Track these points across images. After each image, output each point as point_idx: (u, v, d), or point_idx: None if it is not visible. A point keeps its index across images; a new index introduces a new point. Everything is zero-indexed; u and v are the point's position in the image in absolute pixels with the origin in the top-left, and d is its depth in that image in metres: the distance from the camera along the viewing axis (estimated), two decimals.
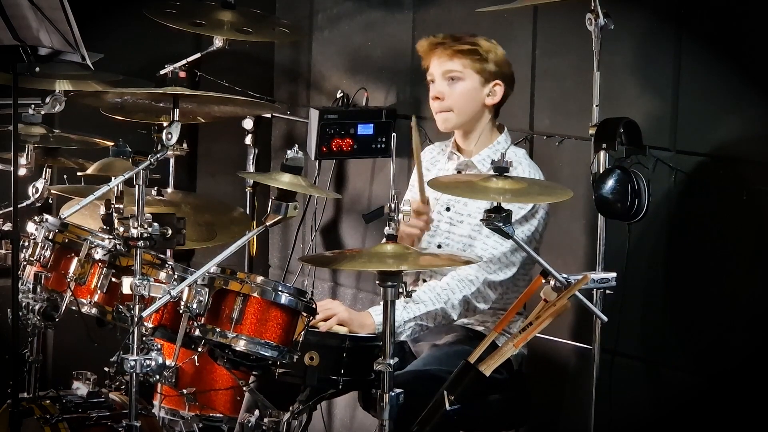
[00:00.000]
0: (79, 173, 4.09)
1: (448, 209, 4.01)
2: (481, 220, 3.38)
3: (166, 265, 3.55)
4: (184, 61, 4.73)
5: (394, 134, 4.37)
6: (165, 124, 3.44)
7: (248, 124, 4.97)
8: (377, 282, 3.31)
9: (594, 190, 3.64)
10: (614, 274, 3.56)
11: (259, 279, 3.52)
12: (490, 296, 3.87)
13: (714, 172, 3.84)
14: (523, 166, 3.92)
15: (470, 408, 3.46)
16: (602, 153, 3.66)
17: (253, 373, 3.71)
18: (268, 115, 5.22)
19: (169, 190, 4.64)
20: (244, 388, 3.78)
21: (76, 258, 3.64)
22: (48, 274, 3.70)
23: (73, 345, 4.04)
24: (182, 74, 4.71)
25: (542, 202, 3.86)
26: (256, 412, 3.69)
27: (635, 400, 4.04)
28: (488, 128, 4.01)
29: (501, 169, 3.37)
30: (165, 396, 4.04)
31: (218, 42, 4.65)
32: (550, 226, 3.98)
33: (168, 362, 3.44)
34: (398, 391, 3.32)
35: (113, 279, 3.58)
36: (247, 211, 4.91)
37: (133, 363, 3.38)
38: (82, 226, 3.72)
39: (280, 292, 3.49)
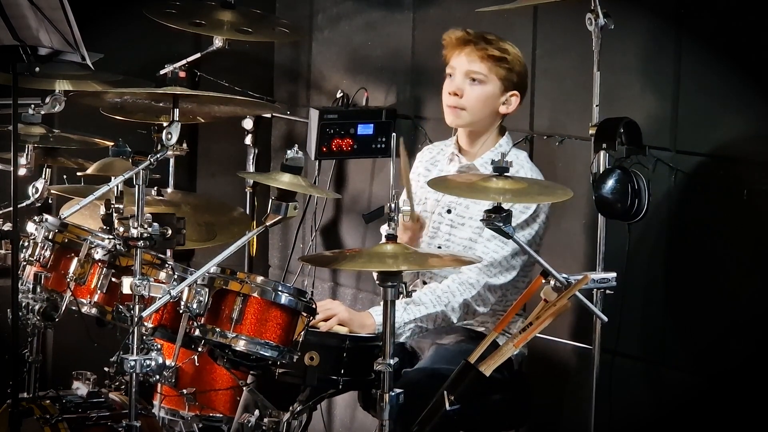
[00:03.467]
0: (78, 173, 4.09)
1: (449, 211, 4.01)
2: (481, 220, 3.38)
3: (166, 265, 3.55)
4: (184, 61, 4.73)
5: (394, 134, 4.36)
6: (165, 124, 3.44)
7: (248, 124, 4.97)
8: (377, 282, 3.31)
9: (594, 190, 3.64)
10: (614, 274, 3.56)
11: (259, 279, 3.52)
12: (489, 299, 3.87)
13: (714, 172, 3.84)
14: (525, 169, 3.92)
15: (470, 408, 3.46)
16: (602, 153, 3.66)
17: (252, 372, 3.71)
18: (268, 115, 5.22)
19: (169, 190, 4.65)
20: (244, 388, 3.78)
21: (76, 258, 3.64)
22: (48, 274, 3.70)
23: (73, 345, 4.03)
24: (182, 74, 4.70)
25: (543, 203, 3.86)
26: (256, 412, 3.69)
27: (635, 400, 4.04)
28: (494, 133, 4.01)
29: (501, 169, 3.37)
30: (165, 396, 4.04)
31: (218, 42, 4.65)
32: (550, 226, 3.98)
33: (168, 362, 3.45)
34: (398, 391, 3.32)
35: (113, 279, 3.58)
36: (247, 211, 4.92)
37: (133, 363, 3.38)
38: (81, 226, 3.72)
39: (280, 292, 3.49)
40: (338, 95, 4.99)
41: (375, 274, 3.31)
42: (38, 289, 3.68)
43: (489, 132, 4.00)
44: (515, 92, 3.95)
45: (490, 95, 3.94)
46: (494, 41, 3.94)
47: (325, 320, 3.74)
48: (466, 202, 3.96)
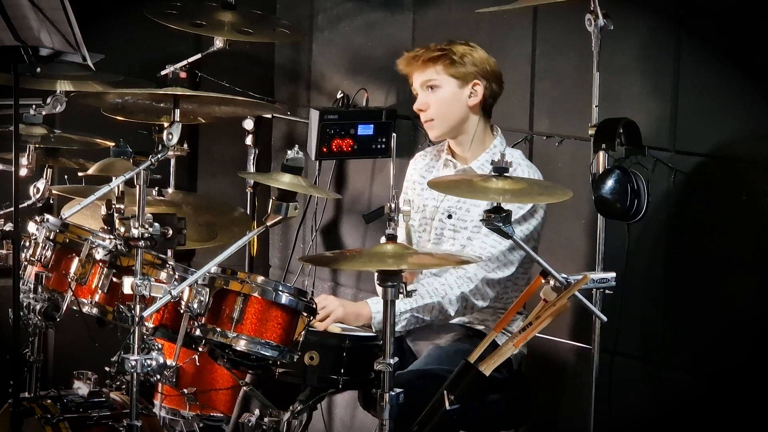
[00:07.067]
0: (80, 173, 4.10)
1: (449, 216, 4.01)
2: (480, 220, 3.38)
3: (167, 265, 3.56)
4: (184, 62, 4.73)
5: (394, 134, 4.38)
6: (166, 124, 3.45)
7: (249, 124, 4.98)
8: (377, 282, 3.32)
9: (593, 191, 3.64)
10: (614, 274, 3.56)
11: (260, 279, 3.53)
12: (488, 294, 3.88)
13: (713, 173, 3.85)
14: (522, 167, 3.93)
15: (470, 408, 3.46)
16: (602, 153, 3.67)
17: (249, 372, 3.71)
18: (269, 116, 5.23)
19: (170, 190, 4.65)
20: (244, 388, 3.79)
21: (77, 258, 3.65)
22: (49, 274, 3.71)
23: (74, 345, 4.04)
24: (183, 75, 4.70)
25: (542, 203, 3.87)
26: (257, 411, 3.70)
27: (635, 400, 4.05)
28: (480, 130, 4.01)
29: (501, 169, 3.38)
30: (166, 396, 4.05)
31: (219, 42, 4.66)
32: (551, 226, 3.99)
33: (169, 362, 3.45)
34: (398, 390, 3.33)
35: (114, 279, 3.58)
36: (248, 212, 4.92)
37: (134, 363, 3.38)
38: (83, 227, 3.73)
39: (280, 292, 3.50)
40: (338, 96, 4.99)
41: (375, 274, 3.32)
42: (39, 289, 3.69)
43: (471, 128, 3.99)
44: (476, 81, 3.95)
45: (449, 95, 3.95)
46: (431, 46, 3.97)
47: (322, 319, 3.75)
48: (466, 206, 3.96)
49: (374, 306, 3.78)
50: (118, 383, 3.91)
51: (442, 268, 3.88)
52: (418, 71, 3.98)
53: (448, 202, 4.01)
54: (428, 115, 3.98)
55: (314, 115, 4.81)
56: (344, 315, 3.77)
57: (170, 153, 3.49)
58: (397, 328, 3.78)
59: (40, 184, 4.06)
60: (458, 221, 3.99)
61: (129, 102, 3.67)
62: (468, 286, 3.85)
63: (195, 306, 3.47)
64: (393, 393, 3.31)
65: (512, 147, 4.13)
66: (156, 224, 3.40)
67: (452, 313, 3.86)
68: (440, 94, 3.96)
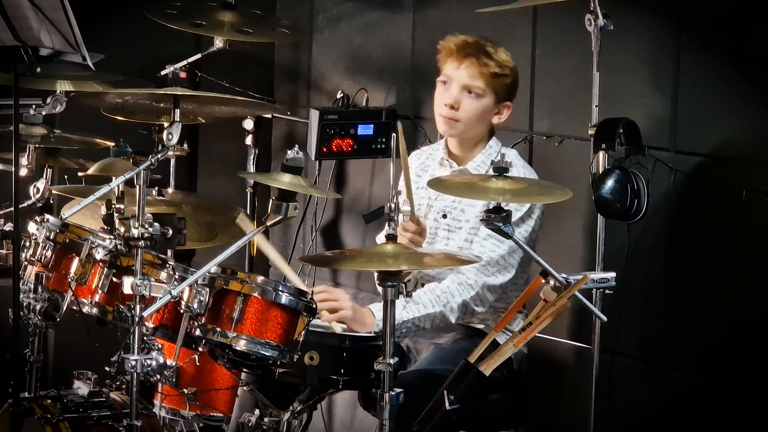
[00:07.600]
0: (79, 173, 4.09)
1: (444, 216, 4.00)
2: (480, 220, 3.38)
3: (167, 265, 3.56)
4: (184, 62, 4.73)
5: (394, 135, 4.37)
6: (165, 124, 3.45)
7: (249, 124, 4.98)
8: (377, 282, 3.32)
9: (593, 191, 3.65)
10: (614, 274, 3.57)
11: (260, 279, 3.53)
12: (488, 299, 3.88)
13: (713, 172, 3.85)
14: (517, 167, 3.92)
15: (470, 407, 3.46)
16: (602, 153, 3.67)
17: (244, 370, 3.71)
18: (269, 116, 5.23)
19: (170, 190, 4.64)
20: (245, 388, 3.79)
21: (77, 258, 3.65)
22: (49, 274, 3.70)
23: (74, 345, 4.04)
24: (183, 75, 4.70)
25: (542, 203, 3.87)
26: (257, 412, 3.70)
27: (634, 399, 4.05)
28: (485, 138, 4.02)
29: (500, 169, 3.38)
30: (166, 395, 4.04)
31: (219, 42, 4.66)
32: (551, 226, 3.99)
33: (169, 362, 3.45)
34: (398, 390, 3.33)
35: (114, 279, 3.58)
36: (248, 211, 4.92)
37: (133, 362, 3.38)
38: (83, 227, 3.73)
39: (280, 292, 3.50)
40: (338, 96, 4.99)
41: (375, 274, 3.32)
42: (39, 289, 3.69)
43: (477, 137, 4.00)
44: (507, 103, 3.96)
45: (486, 108, 3.94)
46: (493, 54, 3.93)
47: (330, 310, 3.74)
48: (461, 206, 3.96)
49: (378, 314, 3.77)
50: (118, 383, 3.90)
51: (441, 271, 3.89)
52: (471, 72, 3.92)
53: (443, 201, 4.00)
54: (456, 115, 3.95)
55: (314, 115, 4.81)
56: (351, 318, 3.75)
57: (170, 153, 3.48)
58: (397, 334, 3.78)
59: (40, 184, 4.06)
60: (453, 221, 3.98)
61: (129, 102, 3.67)
62: (469, 293, 3.85)
63: (195, 306, 3.47)
64: (393, 393, 3.32)
65: (512, 147, 4.13)
66: (156, 224, 3.40)
67: (453, 321, 3.86)
68: (478, 104, 3.93)
